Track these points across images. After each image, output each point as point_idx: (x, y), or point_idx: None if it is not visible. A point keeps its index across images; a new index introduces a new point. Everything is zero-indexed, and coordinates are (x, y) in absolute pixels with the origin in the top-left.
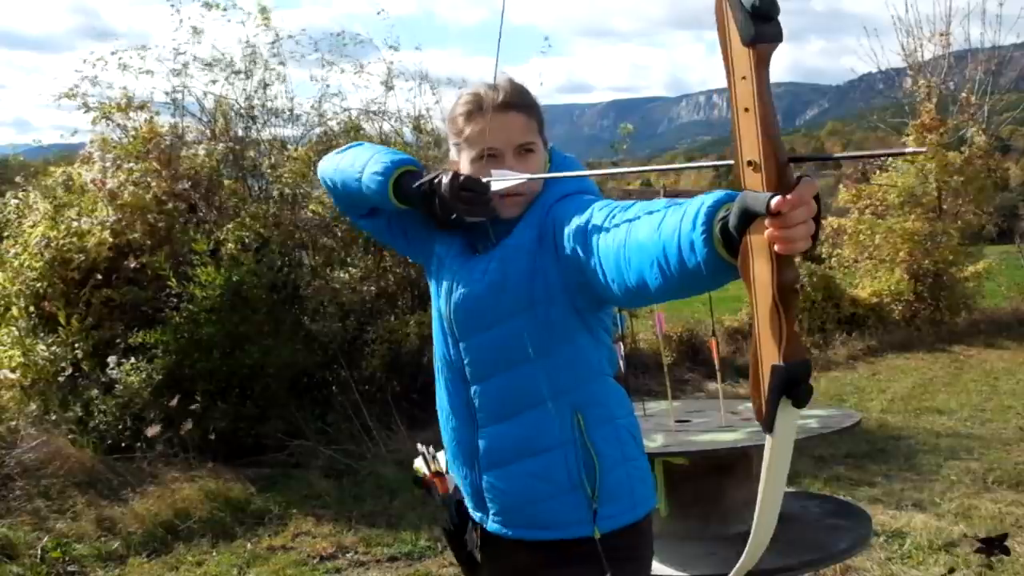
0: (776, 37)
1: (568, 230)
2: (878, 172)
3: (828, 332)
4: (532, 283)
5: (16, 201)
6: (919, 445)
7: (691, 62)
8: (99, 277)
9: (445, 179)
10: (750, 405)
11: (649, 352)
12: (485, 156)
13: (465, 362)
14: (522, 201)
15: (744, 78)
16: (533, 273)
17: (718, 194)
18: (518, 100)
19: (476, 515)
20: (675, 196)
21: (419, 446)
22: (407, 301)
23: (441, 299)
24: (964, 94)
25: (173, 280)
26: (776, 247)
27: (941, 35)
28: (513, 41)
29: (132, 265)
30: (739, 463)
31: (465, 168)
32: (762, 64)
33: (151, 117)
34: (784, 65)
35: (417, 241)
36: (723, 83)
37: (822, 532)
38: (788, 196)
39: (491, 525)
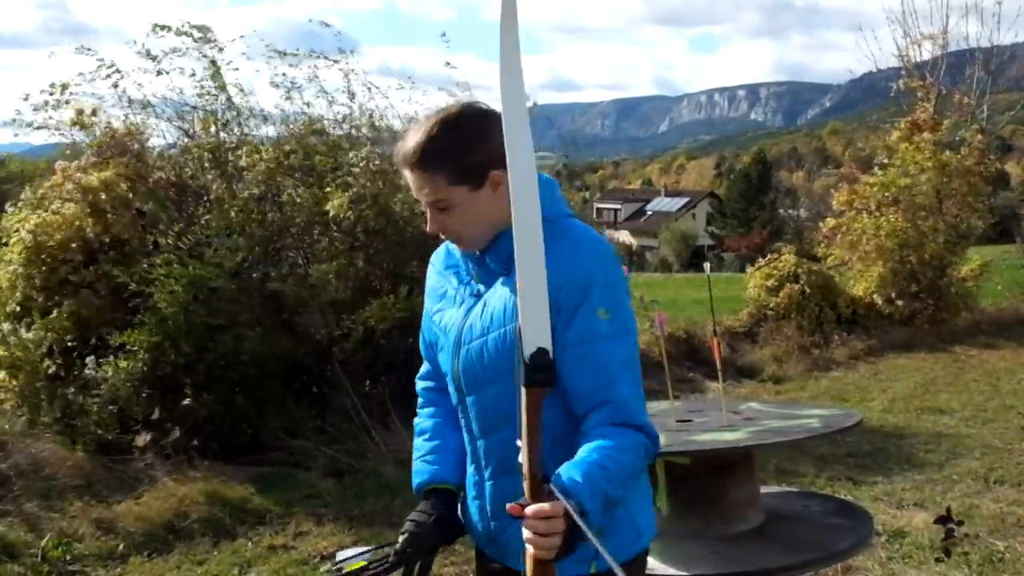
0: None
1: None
2: (876, 170)
3: (827, 332)
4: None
5: (13, 209)
6: (920, 445)
7: (675, 59)
8: (71, 277)
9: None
10: (752, 404)
11: (649, 352)
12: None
13: (471, 416)
14: (465, 242)
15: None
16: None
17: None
18: (420, 160)
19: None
20: (675, 195)
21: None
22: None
23: (448, 357)
24: (958, 96)
25: (131, 282)
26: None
27: (929, 37)
28: (491, 40)
29: (104, 257)
30: (740, 463)
31: None
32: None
33: (109, 122)
34: (768, 62)
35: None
36: (719, 83)
37: (823, 532)
38: (529, 508)
39: (509, 562)
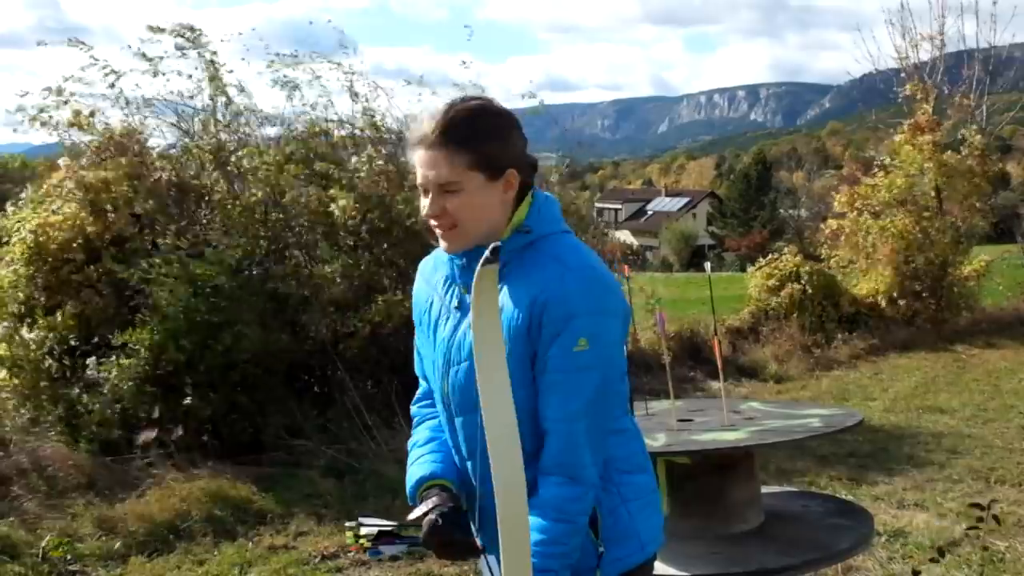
0: None
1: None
2: (876, 171)
3: (829, 331)
4: (526, 364)
5: (14, 208)
6: (921, 444)
7: (671, 59)
8: (74, 277)
9: (424, 529)
10: (753, 404)
11: (650, 351)
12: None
13: (460, 437)
14: (457, 234)
15: None
16: (527, 355)
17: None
18: (444, 138)
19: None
20: (676, 195)
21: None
22: (393, 291)
23: (437, 376)
24: (958, 97)
25: (132, 275)
26: None
27: (927, 37)
28: (484, 40)
29: (106, 254)
30: (741, 462)
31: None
32: None
33: (107, 123)
34: (765, 63)
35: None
36: (717, 83)
37: (824, 531)
38: None
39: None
